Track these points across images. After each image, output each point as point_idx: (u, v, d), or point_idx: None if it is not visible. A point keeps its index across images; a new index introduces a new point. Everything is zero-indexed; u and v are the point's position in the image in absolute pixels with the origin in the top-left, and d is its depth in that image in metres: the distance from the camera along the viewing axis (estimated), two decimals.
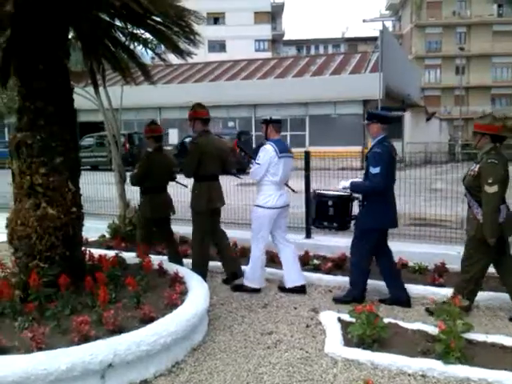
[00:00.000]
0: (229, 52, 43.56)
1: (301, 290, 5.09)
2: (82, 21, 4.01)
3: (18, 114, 3.97)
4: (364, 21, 26.44)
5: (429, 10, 47.13)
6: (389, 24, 38.50)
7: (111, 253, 5.16)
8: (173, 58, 5.06)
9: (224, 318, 4.41)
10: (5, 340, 3.12)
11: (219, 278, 5.57)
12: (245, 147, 5.59)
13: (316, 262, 5.67)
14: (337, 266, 5.61)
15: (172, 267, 4.69)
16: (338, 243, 6.22)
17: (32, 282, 3.61)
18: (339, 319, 4.15)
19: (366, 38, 51.33)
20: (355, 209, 4.95)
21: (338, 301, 4.77)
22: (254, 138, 25.12)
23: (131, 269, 4.54)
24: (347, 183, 4.75)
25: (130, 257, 5.08)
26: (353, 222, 4.95)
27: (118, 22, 4.43)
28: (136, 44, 4.85)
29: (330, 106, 25.44)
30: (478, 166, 4.21)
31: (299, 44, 58.43)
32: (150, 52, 5.03)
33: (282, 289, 5.14)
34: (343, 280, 5.14)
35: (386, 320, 3.84)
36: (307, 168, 6.55)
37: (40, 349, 3.05)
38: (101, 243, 6.74)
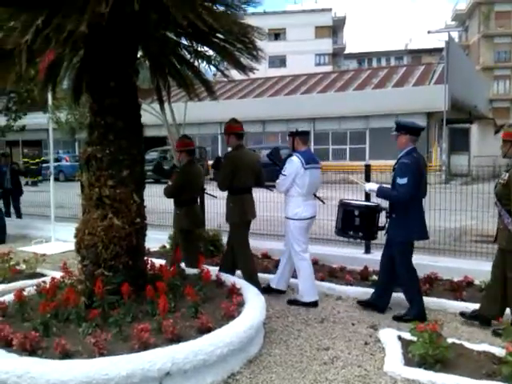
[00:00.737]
0: (289, 67, 43.85)
1: (278, 292, 5.35)
2: (151, 40, 4.20)
3: (89, 128, 4.19)
4: (429, 32, 25.62)
5: (497, 20, 45.38)
6: (455, 34, 37.27)
7: None
8: (234, 74, 5.17)
9: (280, 332, 4.39)
10: (69, 345, 3.26)
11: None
12: (275, 159, 5.63)
13: (375, 277, 5.52)
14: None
15: (230, 279, 4.75)
16: None
17: (97, 290, 3.76)
18: (399, 337, 4.02)
19: (431, 50, 50.04)
20: (382, 219, 4.88)
21: (398, 319, 4.61)
22: (312, 151, 25.01)
23: (190, 279, 4.63)
24: (375, 186, 4.76)
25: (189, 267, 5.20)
26: (381, 233, 4.89)
27: (183, 41, 4.60)
28: (200, 61, 5.00)
29: (392, 118, 24.85)
30: (507, 174, 4.15)
31: (360, 57, 57.84)
32: (212, 68, 5.18)
33: (265, 289, 5.23)
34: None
35: (449, 340, 3.68)
36: (368, 181, 6.41)
37: (102, 354, 3.17)
38: (161, 253, 6.94)
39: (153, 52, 4.55)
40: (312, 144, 25.53)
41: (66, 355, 3.17)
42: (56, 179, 9.77)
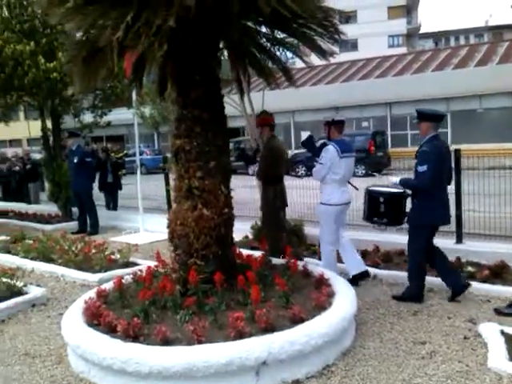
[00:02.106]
0: (361, 50, 42.61)
1: (366, 275, 5.28)
2: (232, 31, 4.19)
3: (177, 122, 4.28)
4: None
5: None
6: None
7: (256, 253, 5.33)
8: (308, 60, 5.07)
9: (372, 324, 4.27)
10: (169, 332, 3.36)
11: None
12: (309, 147, 5.62)
13: (470, 269, 5.22)
14: (494, 274, 5.10)
15: (317, 269, 4.69)
16: (494, 249, 5.72)
17: (191, 278, 3.86)
18: (502, 332, 3.76)
19: None
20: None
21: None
22: (389, 137, 24.25)
23: (277, 269, 4.63)
24: (397, 179, 4.86)
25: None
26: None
27: (263, 29, 4.55)
28: (279, 48, 4.94)
29: (475, 100, 23.50)
30: None
31: (437, 36, 55.03)
32: (288, 55, 5.12)
33: (350, 281, 4.97)
34: (503, 290, 4.70)
35: None
36: (458, 167, 6.06)
37: (200, 342, 3.24)
38: (244, 243, 7.01)
39: (234, 42, 4.55)
40: (388, 130, 24.76)
41: (166, 342, 3.27)
42: None
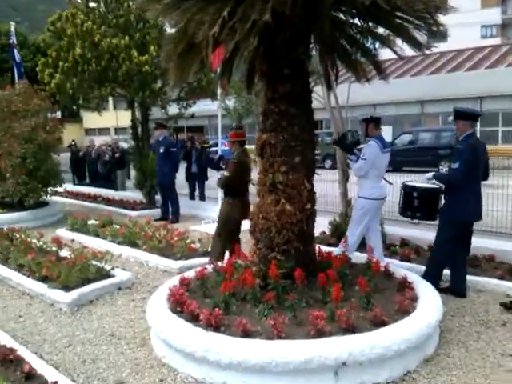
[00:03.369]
0: (451, 41, 40.34)
1: None
2: (323, 24, 4.12)
3: (263, 116, 4.29)
4: None
5: None
6: None
7: (335, 250, 5.24)
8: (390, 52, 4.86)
9: (457, 332, 4.07)
10: (249, 324, 3.40)
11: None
12: (342, 145, 5.73)
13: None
14: None
15: (399, 271, 4.54)
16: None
17: (271, 273, 3.87)
18: None
19: None
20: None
21: None
22: (478, 133, 22.83)
23: (357, 268, 4.53)
24: (431, 174, 4.97)
25: (354, 255, 5.10)
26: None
27: (356, 21, 4.44)
28: (371, 41, 4.80)
29: None
30: None
31: None
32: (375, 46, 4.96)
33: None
34: None
35: None
36: None
37: (280, 337, 3.25)
38: (322, 240, 6.92)
39: (324, 35, 4.46)
40: (478, 126, 23.28)
41: (246, 334, 3.32)
42: None
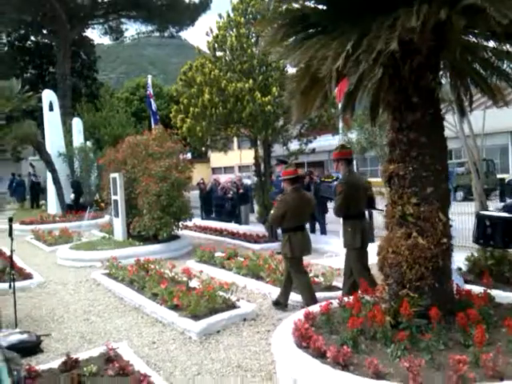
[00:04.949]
0: None
1: None
2: (453, 47, 3.92)
3: (390, 146, 4.15)
4: None
5: None
6: None
7: (476, 288, 4.77)
8: None
9: None
10: (381, 365, 3.20)
11: None
12: None
13: None
14: None
15: None
16: None
17: (403, 311, 3.63)
18: None
19: None
20: None
21: None
22: None
23: (503, 308, 4.08)
24: (501, 204, 4.86)
25: (497, 294, 4.59)
26: None
27: (490, 43, 4.16)
28: (507, 63, 4.44)
29: None
30: None
31: None
32: None
33: None
34: None
35: None
36: None
37: (415, 381, 3.00)
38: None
39: (455, 60, 4.24)
40: None
41: (378, 375, 3.12)
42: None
